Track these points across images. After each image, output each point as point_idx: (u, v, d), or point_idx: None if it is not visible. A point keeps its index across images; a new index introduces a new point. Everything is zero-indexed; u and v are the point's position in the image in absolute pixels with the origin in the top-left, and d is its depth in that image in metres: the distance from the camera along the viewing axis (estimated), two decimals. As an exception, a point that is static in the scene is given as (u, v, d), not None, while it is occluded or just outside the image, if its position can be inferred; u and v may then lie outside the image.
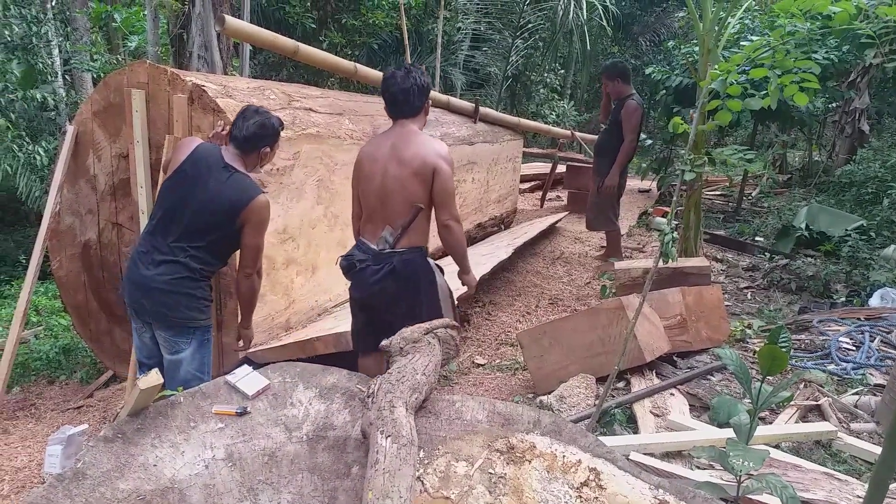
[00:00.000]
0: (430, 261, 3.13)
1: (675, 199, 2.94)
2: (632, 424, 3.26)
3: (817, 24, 3.16)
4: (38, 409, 4.23)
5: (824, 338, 4.29)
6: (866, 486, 1.78)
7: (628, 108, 5.76)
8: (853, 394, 3.53)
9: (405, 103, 3.03)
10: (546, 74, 14.30)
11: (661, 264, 2.88)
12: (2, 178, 9.80)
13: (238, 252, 3.11)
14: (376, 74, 5.71)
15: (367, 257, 3.00)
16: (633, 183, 9.38)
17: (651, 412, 3.32)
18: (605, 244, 6.71)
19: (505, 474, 1.89)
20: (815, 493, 2.61)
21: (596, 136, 10.45)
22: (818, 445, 3.05)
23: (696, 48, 7.33)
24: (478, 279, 3.56)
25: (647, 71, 9.26)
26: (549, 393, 3.48)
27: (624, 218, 6.69)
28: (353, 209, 3.27)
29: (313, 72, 10.52)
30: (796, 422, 3.29)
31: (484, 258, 5.48)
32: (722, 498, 2.32)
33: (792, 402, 3.34)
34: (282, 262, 3.95)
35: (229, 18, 4.22)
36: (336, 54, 10.23)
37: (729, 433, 2.87)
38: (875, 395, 3.47)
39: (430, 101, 3.19)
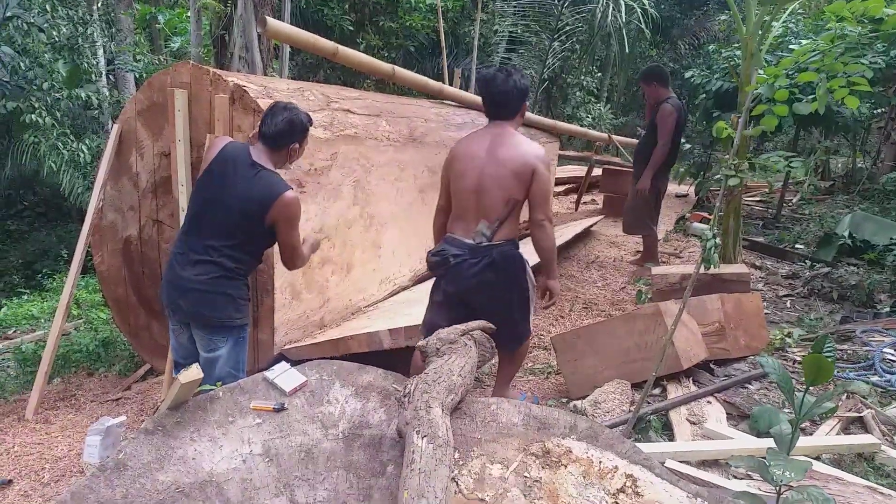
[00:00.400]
0: (523, 256, 3.20)
1: (717, 204, 2.89)
2: (667, 432, 3.22)
3: (867, 28, 3.08)
4: (77, 399, 4.33)
5: (868, 349, 4.18)
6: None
7: (663, 111, 5.69)
8: (898, 407, 3.43)
9: (504, 106, 3.11)
10: (583, 77, 14.20)
11: (701, 270, 2.83)
12: (46, 174, 10.08)
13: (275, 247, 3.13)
14: (413, 76, 5.74)
15: (462, 252, 3.05)
16: (670, 187, 9.25)
17: (687, 420, 3.26)
18: (640, 249, 6.63)
19: (540, 478, 1.88)
20: (857, 507, 2.54)
21: (633, 140, 10.35)
22: (860, 458, 2.97)
23: (739, 52, 7.22)
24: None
25: (687, 75, 9.15)
26: (584, 398, 3.45)
27: (661, 223, 6.59)
28: (440, 203, 3.37)
29: (349, 73, 10.61)
30: (838, 433, 3.21)
31: (518, 261, 5.46)
32: (761, 510, 2.26)
33: (834, 414, 3.26)
34: (317, 261, 3.98)
35: (271, 20, 4.27)
36: (373, 56, 10.32)
37: (767, 443, 2.81)
38: (921, 408, 3.36)
39: (528, 104, 3.26)
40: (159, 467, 1.85)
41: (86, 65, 10.34)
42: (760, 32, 5.14)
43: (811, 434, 3.19)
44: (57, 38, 9.99)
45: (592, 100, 15.06)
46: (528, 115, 7.57)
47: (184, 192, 3.77)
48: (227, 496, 1.83)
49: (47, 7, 9.87)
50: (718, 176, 2.98)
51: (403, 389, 1.98)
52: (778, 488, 2.22)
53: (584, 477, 1.88)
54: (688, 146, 7.89)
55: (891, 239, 6.33)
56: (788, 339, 4.32)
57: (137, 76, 10.90)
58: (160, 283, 3.24)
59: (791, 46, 4.98)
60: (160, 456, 1.87)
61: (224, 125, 3.61)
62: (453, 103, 6.35)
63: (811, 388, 2.30)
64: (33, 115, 9.28)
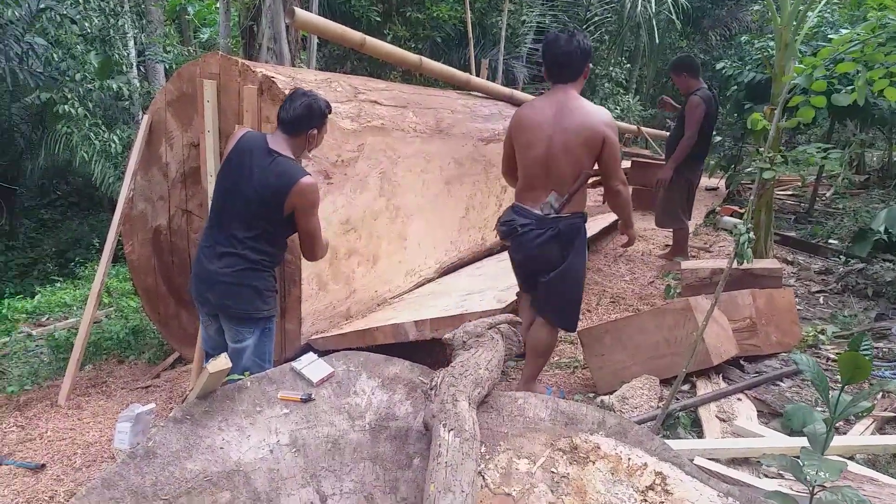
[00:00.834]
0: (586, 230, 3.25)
1: (751, 198, 2.83)
2: (696, 428, 3.17)
3: (909, 16, 2.98)
4: (108, 386, 4.40)
5: (904, 347, 4.08)
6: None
7: (691, 103, 5.61)
8: (935, 407, 3.34)
9: (567, 66, 3.08)
10: (612, 68, 14.03)
11: (734, 265, 2.78)
12: (79, 164, 10.25)
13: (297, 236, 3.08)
14: (440, 67, 5.71)
15: (529, 222, 3.09)
16: (701, 180, 9.11)
17: (717, 417, 3.21)
18: (669, 243, 6.54)
19: (568, 474, 1.86)
20: (893, 509, 2.47)
21: (663, 132, 10.22)
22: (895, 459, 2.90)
23: (772, 42, 7.07)
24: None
25: (718, 66, 8.98)
26: (611, 393, 3.41)
27: (691, 217, 6.50)
28: (503, 169, 3.49)
29: (376, 64, 10.61)
30: (873, 433, 3.14)
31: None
32: (794, 510, 2.22)
33: (870, 413, 3.18)
34: (344, 252, 3.98)
35: (299, 11, 4.27)
36: (400, 46, 10.30)
37: (799, 442, 2.75)
38: (960, 409, 3.27)
39: (590, 66, 3.24)
40: (188, 456, 1.86)
41: (117, 56, 10.48)
42: (795, 23, 5.03)
43: (845, 433, 3.12)
44: (89, 30, 10.14)
45: (621, 91, 14.88)
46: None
47: (212, 183, 3.78)
48: (254, 486, 1.83)
49: (79, -1, 10.02)
50: (750, 169, 2.91)
51: (430, 382, 1.97)
52: (812, 489, 2.18)
53: (613, 474, 1.85)
54: (718, 139, 7.73)
55: (928, 235, 6.17)
56: (821, 337, 4.23)
57: (167, 67, 11.02)
58: (189, 274, 3.26)
59: (830, 36, 4.85)
60: (188, 444, 1.88)
61: (252, 116, 3.62)
62: (480, 94, 6.31)
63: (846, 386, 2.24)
64: (66, 106, 9.45)
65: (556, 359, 4.21)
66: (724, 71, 8.63)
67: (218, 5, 6.29)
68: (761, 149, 2.86)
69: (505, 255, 5.99)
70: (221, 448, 1.91)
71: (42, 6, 10.03)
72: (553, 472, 1.87)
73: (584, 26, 12.26)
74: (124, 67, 10.72)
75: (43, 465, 3.29)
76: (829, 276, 5.91)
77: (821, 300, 5.33)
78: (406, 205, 4.56)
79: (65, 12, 10.14)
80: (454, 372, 1.98)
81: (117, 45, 10.53)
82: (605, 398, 3.35)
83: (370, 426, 2.05)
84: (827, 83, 2.71)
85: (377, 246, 4.32)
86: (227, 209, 2.98)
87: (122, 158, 9.71)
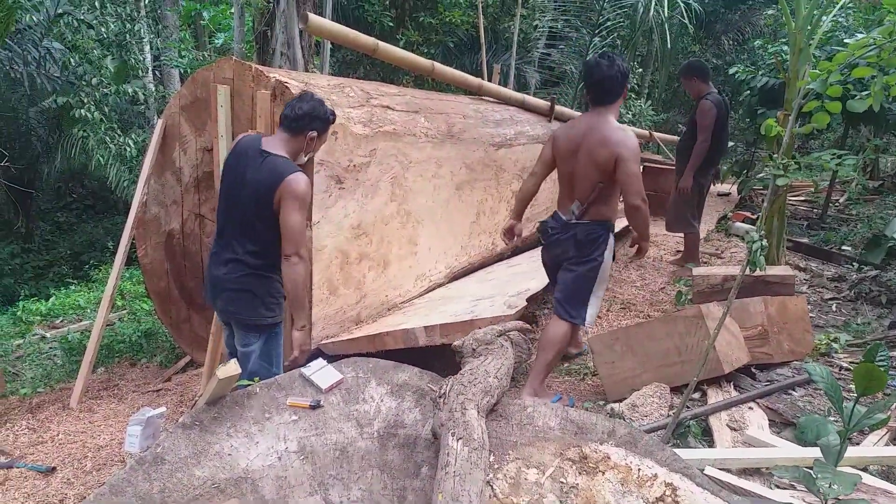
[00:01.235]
0: (610, 237, 3.54)
1: (764, 205, 2.81)
2: (707, 437, 3.14)
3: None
4: (120, 389, 4.43)
5: (919, 356, 4.02)
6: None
7: (702, 107, 5.58)
8: (951, 418, 3.29)
9: (608, 91, 3.39)
10: (623, 73, 13.98)
11: (747, 272, 2.76)
12: (94, 167, 10.34)
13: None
14: (452, 72, 5.71)
15: (557, 225, 3.55)
16: (713, 186, 9.06)
17: (728, 426, 3.18)
18: (681, 248, 6.50)
19: (577, 484, 1.85)
20: (907, 522, 2.44)
21: (674, 137, 10.17)
22: (911, 471, 2.86)
23: (786, 47, 7.03)
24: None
25: (731, 70, 8.93)
26: (621, 400, 3.39)
27: (702, 222, 6.45)
28: (533, 170, 3.77)
29: (389, 69, 10.63)
30: (887, 444, 3.09)
31: (555, 259, 5.41)
32: (806, 522, 2.20)
33: (886, 425, 3.14)
34: (355, 256, 3.99)
35: (312, 16, 4.29)
36: (412, 52, 10.32)
37: (812, 452, 2.72)
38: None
39: (628, 87, 3.60)
40: (196, 462, 1.87)
41: (133, 61, 10.56)
42: (809, 27, 4.99)
43: (858, 444, 3.08)
44: (105, 35, 10.22)
45: (633, 96, 14.83)
46: (566, 110, 7.51)
47: (224, 188, 3.81)
48: (262, 493, 1.84)
49: (96, 4, 10.11)
50: (762, 175, 2.89)
51: (439, 390, 1.97)
52: (825, 501, 2.16)
53: (623, 484, 1.84)
54: (730, 144, 7.68)
55: (945, 242, 6.09)
56: (834, 345, 4.19)
57: (182, 72, 11.11)
58: (201, 278, 3.27)
59: (845, 41, 4.79)
60: (197, 451, 1.89)
61: (265, 120, 3.64)
62: (492, 99, 6.31)
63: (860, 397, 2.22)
64: (82, 110, 9.53)
65: (566, 365, 4.19)
66: (736, 76, 8.58)
67: (232, 11, 6.33)
68: (774, 155, 2.84)
69: (515, 259, 6.00)
70: (230, 455, 1.91)
71: (60, 11, 10.14)
72: (562, 482, 1.86)
73: (597, 31, 12.22)
74: (140, 72, 10.80)
75: (53, 469, 3.31)
76: (843, 284, 5.85)
77: (834, 307, 5.28)
78: (417, 209, 4.57)
79: (82, 17, 10.23)
80: (463, 380, 1.97)
81: (133, 50, 10.61)
82: (615, 406, 3.32)
83: (378, 434, 2.05)
84: (845, 89, 2.69)
85: (388, 251, 4.32)
86: (228, 215, 2.97)
87: (137, 162, 9.78)
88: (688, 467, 1.94)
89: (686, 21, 12.34)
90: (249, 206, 2.89)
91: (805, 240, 7.64)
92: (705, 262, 6.41)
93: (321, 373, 2.19)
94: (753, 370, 3.77)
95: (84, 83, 9.87)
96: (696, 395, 3.49)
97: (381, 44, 4.74)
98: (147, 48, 10.91)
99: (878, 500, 2.54)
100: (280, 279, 2.99)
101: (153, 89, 11.07)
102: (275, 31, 5.75)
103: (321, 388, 2.14)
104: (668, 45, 13.04)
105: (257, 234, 2.92)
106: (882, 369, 2.07)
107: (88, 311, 7.15)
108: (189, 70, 10.76)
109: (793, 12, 5.01)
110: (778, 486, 2.70)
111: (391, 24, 10.79)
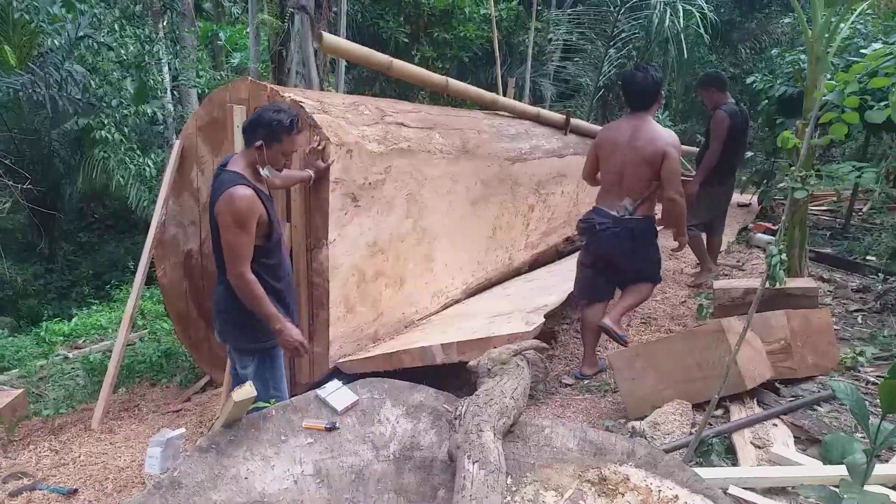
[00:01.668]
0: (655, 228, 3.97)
1: (783, 218, 2.76)
2: (730, 455, 3.08)
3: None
4: (140, 410, 4.45)
5: (949, 369, 3.92)
6: None
7: (716, 117, 5.63)
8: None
9: (645, 98, 3.82)
10: (639, 84, 13.96)
11: (767, 286, 2.71)
12: (115, 187, 10.49)
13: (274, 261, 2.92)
14: (466, 88, 5.72)
15: (607, 221, 3.85)
16: (734, 196, 8.96)
17: (752, 443, 3.12)
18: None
19: (596, 507, 1.81)
20: (940, 543, 2.37)
21: (692, 148, 10.09)
22: (942, 489, 2.78)
23: (804, 56, 6.96)
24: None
25: (749, 80, 8.85)
26: (642, 418, 3.34)
27: (724, 233, 6.38)
28: (585, 172, 4.19)
29: (404, 85, 10.69)
30: (917, 461, 3.01)
31: (572, 273, 5.36)
32: (834, 544, 2.13)
33: (912, 440, 3.06)
34: (371, 274, 3.99)
35: (327, 35, 4.32)
36: (427, 67, 10.38)
37: (839, 470, 2.66)
38: None
39: (662, 94, 4.03)
40: (212, 486, 1.86)
41: (152, 81, 10.73)
42: (827, 35, 4.93)
43: (886, 461, 3.01)
44: (125, 57, 10.40)
45: (649, 106, 14.77)
46: (582, 123, 7.49)
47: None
48: (279, 517, 1.83)
49: (116, 27, 10.30)
50: (782, 185, 2.85)
51: (454, 411, 1.95)
52: (852, 522, 2.10)
53: (643, 507, 1.80)
54: (750, 154, 7.61)
55: (972, 250, 5.97)
56: (860, 358, 4.10)
57: (200, 91, 11.25)
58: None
59: (862, 50, 4.73)
60: (213, 475, 1.88)
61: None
62: (507, 114, 6.31)
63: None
64: (103, 132, 9.69)
65: (586, 382, 4.15)
66: (754, 85, 8.51)
67: (248, 31, 6.41)
68: (793, 166, 2.80)
69: (532, 274, 5.96)
70: (246, 478, 1.90)
71: (80, 34, 10.34)
72: (581, 504, 1.83)
73: (612, 43, 12.20)
74: (159, 92, 10.97)
75: (75, 490, 3.33)
76: (868, 295, 5.74)
77: (859, 319, 5.18)
78: (432, 226, 4.56)
79: (102, 40, 10.43)
80: (479, 401, 1.95)
81: (152, 71, 10.79)
82: (636, 424, 3.27)
83: (394, 456, 2.03)
84: (861, 99, 2.65)
85: (404, 267, 4.32)
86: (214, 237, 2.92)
87: (157, 182, 9.92)
88: (709, 488, 1.90)
89: (702, 30, 12.29)
90: (213, 227, 2.84)
91: (828, 250, 7.52)
92: (726, 275, 6.33)
93: (336, 394, 2.18)
94: (777, 385, 3.70)
95: (104, 104, 10.05)
96: (719, 412, 3.43)
97: (396, 61, 4.77)
98: (165, 69, 11.09)
99: (909, 519, 2.47)
100: (273, 301, 2.86)
101: (172, 109, 11.23)
102: (290, 50, 5.81)
103: (336, 410, 2.13)
104: (685, 55, 13.00)
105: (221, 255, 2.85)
106: (909, 386, 2.02)
107: (110, 330, 7.22)
108: (207, 90, 10.90)
109: (809, 20, 4.95)
110: (804, 506, 2.64)
111: (406, 39, 10.86)
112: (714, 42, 15.43)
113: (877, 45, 5.92)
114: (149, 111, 10.38)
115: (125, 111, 10.15)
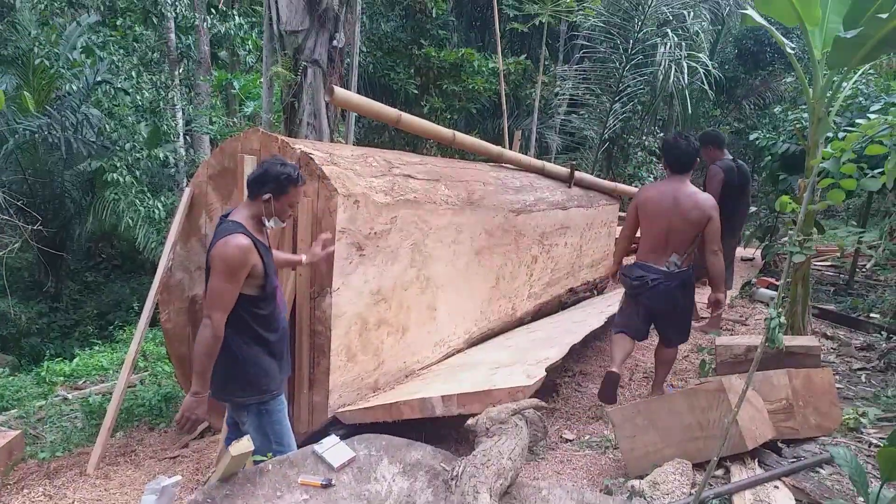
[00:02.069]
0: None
1: (783, 278, 2.79)
2: (731, 518, 3.04)
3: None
4: (137, 455, 4.42)
5: (954, 433, 3.88)
6: None
7: (709, 172, 6.28)
8: None
9: (686, 165, 4.24)
10: (644, 137, 14.15)
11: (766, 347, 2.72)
12: (124, 229, 10.60)
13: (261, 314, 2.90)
14: (472, 141, 5.83)
15: (659, 276, 4.20)
16: (737, 251, 9.00)
17: (753, 506, 3.08)
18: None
19: (592, 572, 1.80)
20: None
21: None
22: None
23: (806, 114, 7.06)
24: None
25: (752, 136, 8.98)
26: (642, 477, 3.30)
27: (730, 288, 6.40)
28: (624, 233, 4.64)
29: (413, 135, 10.88)
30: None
31: (576, 325, 5.36)
32: None
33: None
34: (374, 322, 4.01)
35: (338, 90, 4.43)
36: (436, 117, 10.59)
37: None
38: None
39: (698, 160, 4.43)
40: (207, 541, 1.85)
41: (166, 126, 10.95)
42: (829, 93, 5.02)
43: (890, 527, 2.96)
44: (140, 102, 10.63)
45: (654, 159, 14.94)
46: (586, 176, 7.59)
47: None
48: (272, 575, 1.81)
49: (133, 73, 10.55)
50: (785, 239, 2.88)
51: (452, 471, 1.95)
52: None
53: (638, 573, 1.79)
54: (753, 209, 7.65)
55: (977, 311, 5.96)
56: (863, 420, 4.06)
57: (212, 137, 11.46)
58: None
59: (858, 121, 4.80)
60: (208, 529, 1.88)
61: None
62: (512, 166, 6.41)
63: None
64: (115, 174, 9.84)
65: (586, 437, 4.12)
66: (757, 142, 8.63)
67: (262, 81, 6.57)
68: (791, 229, 2.83)
69: (535, 325, 5.96)
70: (240, 533, 1.90)
71: (98, 79, 10.61)
72: (576, 568, 1.81)
73: (617, 97, 12.41)
74: (172, 137, 11.18)
75: (68, 537, 3.30)
76: (871, 353, 5.72)
77: (862, 378, 5.14)
78: (436, 275, 4.60)
79: (119, 85, 10.69)
80: (476, 461, 1.95)
81: (166, 116, 11.02)
82: (636, 483, 3.24)
83: (390, 514, 2.02)
84: (859, 167, 2.69)
85: (407, 316, 4.33)
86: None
87: (166, 224, 10.02)
88: (707, 556, 1.88)
89: (706, 87, 12.50)
90: (206, 270, 2.87)
91: (831, 307, 7.51)
92: (729, 330, 6.32)
93: (333, 450, 2.18)
94: (779, 445, 3.66)
95: (118, 148, 10.23)
96: (720, 472, 3.40)
97: (404, 115, 4.87)
98: (179, 114, 11.31)
99: (913, 591, 2.43)
100: (265, 353, 2.90)
101: (183, 154, 11.42)
102: (302, 102, 5.94)
103: (333, 467, 2.13)
104: (689, 111, 13.19)
105: None
106: (908, 454, 2.01)
107: (111, 372, 7.22)
108: (219, 136, 11.11)
109: (811, 81, 5.05)
110: (806, 573, 2.60)
111: (416, 91, 11.09)
112: (718, 97, 15.69)
113: (877, 107, 6.03)
114: (161, 155, 10.55)
115: (138, 154, 10.33)
